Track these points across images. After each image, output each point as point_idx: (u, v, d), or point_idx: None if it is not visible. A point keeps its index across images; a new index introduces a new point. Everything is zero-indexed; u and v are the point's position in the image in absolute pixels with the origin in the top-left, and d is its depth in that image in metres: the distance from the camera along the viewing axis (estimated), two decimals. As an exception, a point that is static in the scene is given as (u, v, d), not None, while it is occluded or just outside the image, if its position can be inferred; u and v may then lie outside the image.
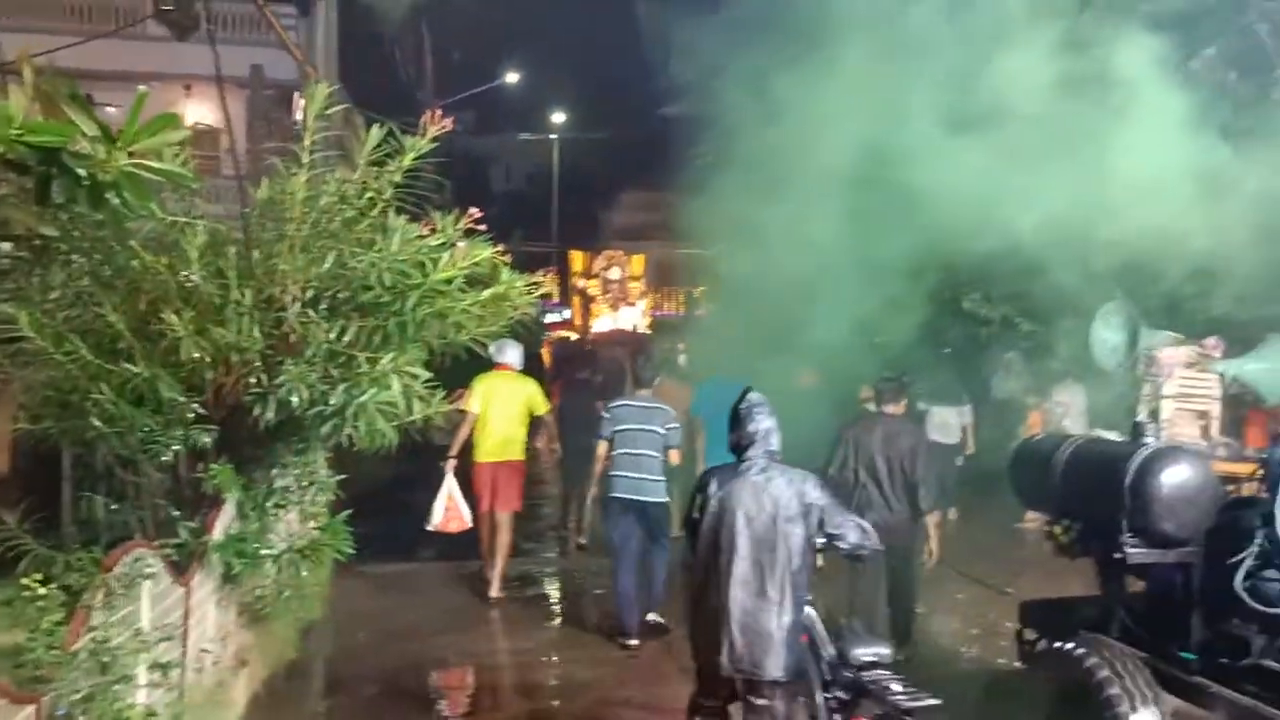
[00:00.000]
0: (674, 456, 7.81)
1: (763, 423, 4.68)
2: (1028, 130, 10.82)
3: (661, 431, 7.66)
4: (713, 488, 4.68)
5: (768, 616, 4.40)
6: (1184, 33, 10.06)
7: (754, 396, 4.84)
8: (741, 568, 4.47)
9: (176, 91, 17.56)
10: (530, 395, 9.04)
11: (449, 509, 8.39)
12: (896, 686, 4.34)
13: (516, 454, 8.95)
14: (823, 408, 9.76)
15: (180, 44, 18.02)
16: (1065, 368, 12.88)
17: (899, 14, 12.10)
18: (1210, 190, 10.99)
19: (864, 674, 4.47)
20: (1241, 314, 11.53)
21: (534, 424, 9.29)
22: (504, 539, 8.86)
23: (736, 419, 4.77)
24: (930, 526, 7.13)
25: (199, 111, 16.99)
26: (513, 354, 8.90)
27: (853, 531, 4.65)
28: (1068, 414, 12.19)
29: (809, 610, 4.71)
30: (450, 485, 8.47)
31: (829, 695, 4.65)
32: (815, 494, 4.62)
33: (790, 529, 4.50)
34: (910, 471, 7.04)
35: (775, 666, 4.38)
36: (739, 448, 4.71)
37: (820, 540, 4.60)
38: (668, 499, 7.80)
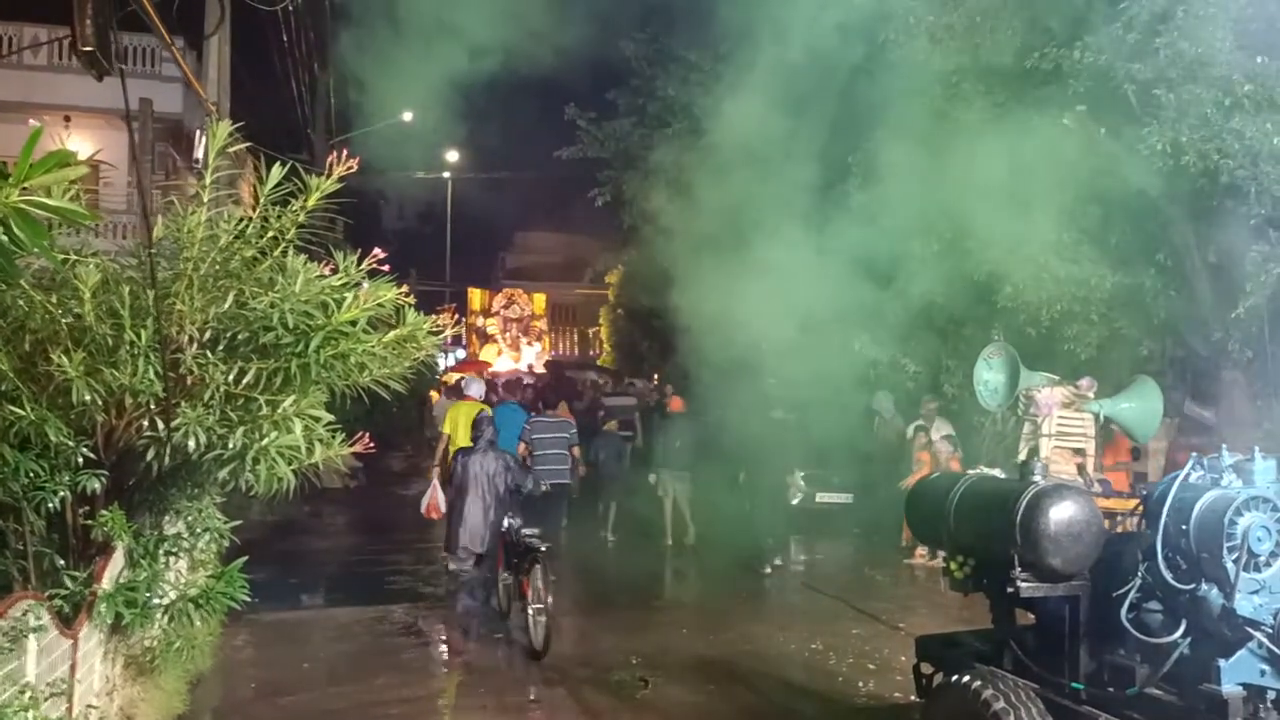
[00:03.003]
0: (575, 451, 12.03)
1: (486, 429, 9.43)
2: (914, 179, 11.27)
3: (566, 436, 11.86)
4: (460, 458, 9.23)
5: (483, 522, 9.00)
6: (1058, 89, 10.64)
7: (484, 414, 9.85)
8: (472, 499, 8.99)
9: (57, 123, 16.98)
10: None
11: (431, 503, 10.71)
12: (536, 542, 8.44)
13: None
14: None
15: (60, 75, 17.51)
16: (933, 401, 13.43)
17: (788, 65, 12.51)
18: (1079, 240, 11.61)
19: (525, 542, 8.54)
20: (1112, 355, 12.14)
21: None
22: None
23: (474, 425, 9.54)
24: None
25: (79, 143, 16.44)
26: (476, 388, 12.37)
27: (529, 482, 9.58)
28: (943, 447, 12.66)
29: (508, 520, 9.13)
30: (435, 485, 10.81)
31: (513, 561, 8.90)
32: (511, 463, 9.37)
33: (496, 480, 9.09)
34: None
35: (481, 545, 9.05)
36: (474, 439, 9.36)
37: (514, 485, 9.30)
38: (570, 480, 11.94)
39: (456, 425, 11.51)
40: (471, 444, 9.23)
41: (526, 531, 8.68)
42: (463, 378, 12.09)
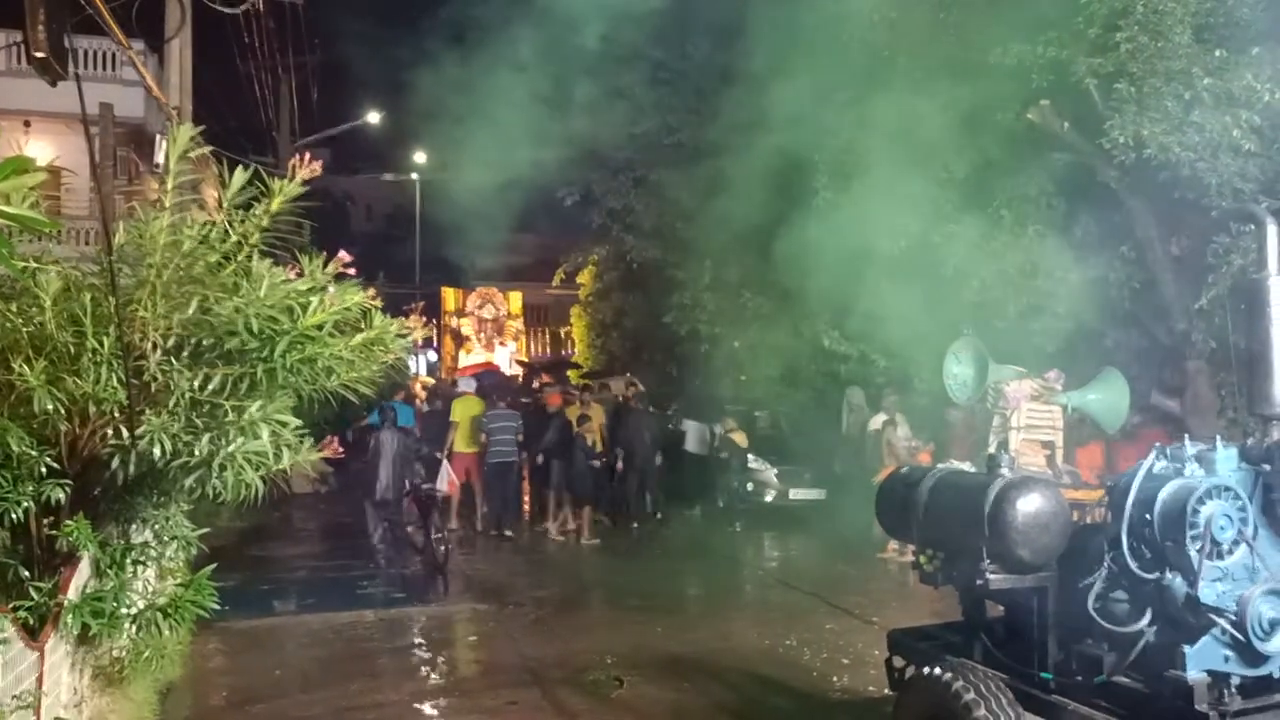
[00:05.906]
0: (520, 437, 14.39)
1: (389, 413, 12.16)
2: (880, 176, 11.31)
3: (515, 425, 14.45)
4: (373, 434, 12.01)
5: (391, 476, 11.73)
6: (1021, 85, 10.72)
7: (388, 404, 12.35)
8: (384, 461, 11.69)
9: (16, 128, 16.74)
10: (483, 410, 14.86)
11: (450, 481, 13.28)
12: (434, 492, 12.33)
13: (479, 446, 14.48)
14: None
15: (18, 79, 17.25)
16: (893, 394, 13.55)
17: (752, 63, 12.52)
18: (1043, 233, 11.71)
19: (427, 493, 12.21)
20: (1078, 348, 12.25)
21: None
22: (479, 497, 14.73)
23: (380, 411, 12.16)
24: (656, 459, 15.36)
25: (39, 147, 16.21)
26: (472, 385, 16.47)
27: (424, 448, 13.05)
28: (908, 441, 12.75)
29: (412, 479, 12.27)
30: (446, 467, 13.30)
31: (419, 508, 12.25)
32: (410, 440, 12.47)
33: (402, 450, 11.87)
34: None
35: (392, 493, 11.80)
36: (383, 421, 12.08)
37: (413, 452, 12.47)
38: (517, 459, 14.45)
39: (463, 416, 14.70)
40: (380, 423, 12.18)
41: (426, 486, 12.40)
42: (462, 379, 16.99)
